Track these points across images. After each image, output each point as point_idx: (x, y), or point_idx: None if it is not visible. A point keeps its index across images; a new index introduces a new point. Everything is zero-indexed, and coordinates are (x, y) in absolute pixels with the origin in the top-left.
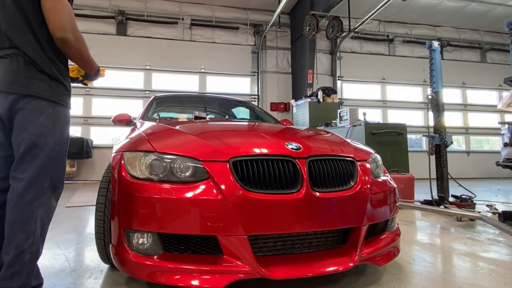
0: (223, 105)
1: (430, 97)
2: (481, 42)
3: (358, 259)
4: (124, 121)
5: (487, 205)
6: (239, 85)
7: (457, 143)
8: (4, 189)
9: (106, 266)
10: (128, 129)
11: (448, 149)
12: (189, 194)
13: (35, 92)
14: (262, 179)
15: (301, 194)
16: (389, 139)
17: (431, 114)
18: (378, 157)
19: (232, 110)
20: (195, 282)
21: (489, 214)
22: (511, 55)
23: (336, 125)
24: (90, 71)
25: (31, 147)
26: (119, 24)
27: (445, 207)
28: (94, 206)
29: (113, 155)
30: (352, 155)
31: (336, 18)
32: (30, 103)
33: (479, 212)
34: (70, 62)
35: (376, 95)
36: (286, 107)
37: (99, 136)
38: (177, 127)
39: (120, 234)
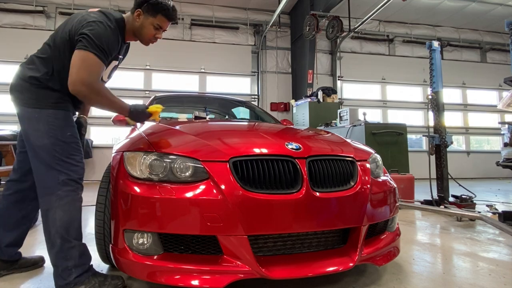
0: (223, 105)
1: (430, 97)
2: (481, 42)
3: (358, 259)
4: (124, 121)
5: (487, 205)
6: (239, 85)
7: (457, 143)
8: (19, 180)
9: (106, 266)
10: (128, 129)
11: (448, 149)
12: (189, 194)
13: (24, 102)
14: (262, 179)
15: (301, 194)
16: (389, 139)
17: (431, 114)
18: (378, 157)
19: (232, 110)
20: (195, 282)
21: (489, 214)
22: (511, 55)
23: (336, 125)
24: (120, 114)
25: (35, 149)
26: None
27: (445, 207)
28: (94, 206)
29: (113, 155)
30: (352, 155)
31: (336, 18)
32: (22, 112)
33: (479, 212)
34: None
35: (376, 95)
36: (286, 107)
37: (99, 136)
38: (177, 127)
39: (120, 234)
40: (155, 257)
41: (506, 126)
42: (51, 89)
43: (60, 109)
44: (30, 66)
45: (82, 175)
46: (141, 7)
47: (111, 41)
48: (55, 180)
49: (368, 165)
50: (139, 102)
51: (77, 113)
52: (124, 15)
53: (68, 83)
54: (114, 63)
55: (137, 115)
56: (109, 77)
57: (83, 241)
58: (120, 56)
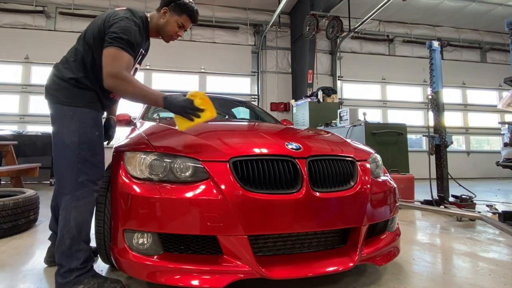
0: (223, 105)
1: (430, 97)
2: (481, 42)
3: (358, 259)
4: (124, 121)
5: (487, 205)
6: (239, 85)
7: (457, 143)
8: None
9: (106, 266)
10: (128, 129)
11: (448, 149)
12: (189, 194)
13: (59, 100)
14: (262, 179)
15: (301, 194)
16: (389, 139)
17: (431, 114)
18: (378, 157)
19: (232, 110)
20: (195, 282)
21: (489, 214)
22: (511, 55)
23: (336, 125)
24: (151, 104)
25: (62, 147)
26: None
27: (445, 207)
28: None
29: (113, 155)
30: (352, 155)
31: (336, 18)
32: (56, 110)
33: (479, 212)
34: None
35: (376, 95)
36: (286, 107)
37: None
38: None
39: (120, 234)
40: (155, 257)
41: (506, 126)
42: (88, 88)
43: (93, 109)
44: (66, 66)
45: (101, 177)
46: (168, 6)
47: (136, 33)
48: (74, 181)
49: (368, 165)
50: None
51: (105, 113)
52: (148, 14)
53: (103, 80)
54: (136, 65)
55: (176, 103)
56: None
57: None
58: (143, 52)
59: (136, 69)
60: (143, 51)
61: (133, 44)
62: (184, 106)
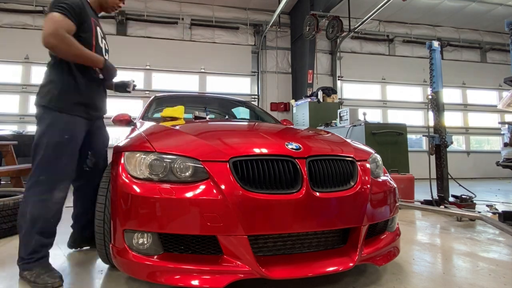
0: (223, 105)
1: (430, 97)
2: (481, 42)
3: (358, 259)
4: (124, 121)
5: (487, 205)
6: (239, 85)
7: (457, 143)
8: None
9: (106, 266)
10: (128, 129)
11: (448, 149)
12: (189, 194)
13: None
14: (262, 179)
15: (301, 194)
16: (389, 139)
17: (431, 114)
18: (378, 157)
19: (232, 110)
20: (195, 282)
21: (489, 214)
22: (511, 55)
23: (336, 125)
24: (94, 66)
25: (35, 145)
26: (119, 24)
27: (445, 207)
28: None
29: (113, 155)
30: (352, 155)
31: (336, 18)
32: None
33: (479, 212)
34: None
35: (376, 95)
36: (286, 107)
37: None
38: (177, 127)
39: (120, 234)
40: (155, 257)
41: (506, 126)
42: (68, 91)
43: (68, 114)
44: (48, 68)
45: (65, 180)
46: None
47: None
48: (36, 177)
49: (368, 165)
50: (139, 102)
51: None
52: None
53: (42, 40)
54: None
55: (110, 70)
56: (100, 48)
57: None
58: (99, 29)
59: (107, 51)
60: (96, 26)
61: (67, 9)
62: (113, 74)
